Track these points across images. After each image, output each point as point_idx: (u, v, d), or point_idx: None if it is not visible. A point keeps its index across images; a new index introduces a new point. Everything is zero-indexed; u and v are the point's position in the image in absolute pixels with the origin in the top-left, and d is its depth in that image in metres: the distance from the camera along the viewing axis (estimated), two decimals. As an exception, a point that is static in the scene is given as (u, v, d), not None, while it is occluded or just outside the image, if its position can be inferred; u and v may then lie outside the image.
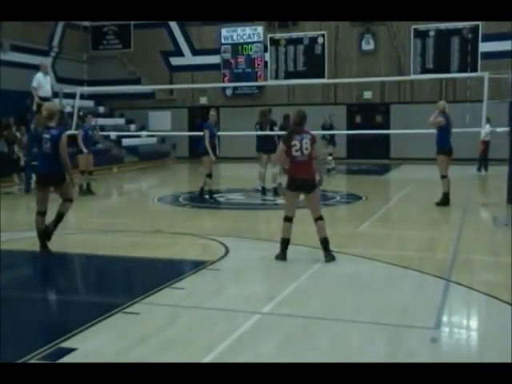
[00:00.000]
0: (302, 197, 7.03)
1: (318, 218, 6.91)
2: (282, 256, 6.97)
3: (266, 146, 12.87)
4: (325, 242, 6.90)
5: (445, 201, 11.02)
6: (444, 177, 11.06)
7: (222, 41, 24.68)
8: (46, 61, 20.35)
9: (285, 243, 6.98)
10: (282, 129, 12.99)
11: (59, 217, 7.37)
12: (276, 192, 12.83)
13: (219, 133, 22.88)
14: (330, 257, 6.88)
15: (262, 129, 13.08)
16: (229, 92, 24.88)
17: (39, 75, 14.34)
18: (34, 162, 14.33)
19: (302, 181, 6.87)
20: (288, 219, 6.98)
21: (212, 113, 12.54)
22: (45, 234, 7.37)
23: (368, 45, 23.33)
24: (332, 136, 17.99)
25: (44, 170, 7.32)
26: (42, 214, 7.39)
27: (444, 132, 11.01)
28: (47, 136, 7.18)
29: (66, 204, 7.42)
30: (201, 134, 12.33)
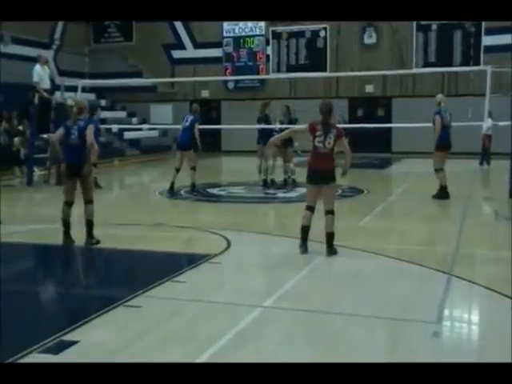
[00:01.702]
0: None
1: (329, 212, 6.93)
2: (301, 245, 6.97)
3: (264, 137, 12.96)
4: (330, 237, 6.92)
5: (441, 194, 10.98)
6: (438, 170, 11.03)
7: (224, 34, 24.62)
8: (48, 53, 20.34)
9: (304, 231, 6.98)
10: (289, 122, 13.00)
11: (89, 225, 7.57)
12: (274, 184, 12.89)
13: (221, 126, 23.12)
14: (331, 252, 6.89)
15: (259, 122, 13.19)
16: (231, 85, 24.84)
17: (38, 68, 14.28)
18: (35, 155, 14.40)
19: (319, 171, 6.90)
20: (308, 208, 7.02)
21: (195, 105, 13.11)
22: (69, 226, 7.58)
23: (370, 38, 23.25)
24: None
25: (71, 160, 7.58)
26: (69, 204, 7.64)
27: (441, 126, 10.94)
28: (75, 127, 7.51)
29: (89, 208, 7.59)
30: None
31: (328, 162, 6.91)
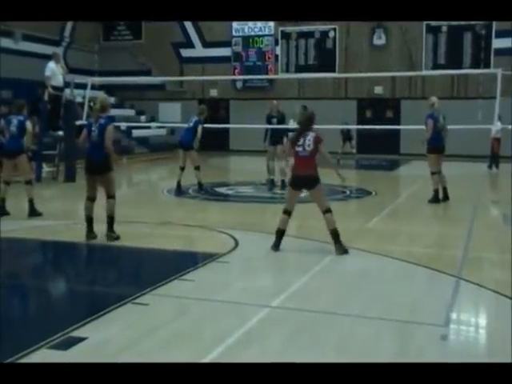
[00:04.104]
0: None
1: (326, 211, 6.99)
2: (274, 245, 7.09)
3: (277, 138, 12.92)
4: (334, 234, 6.94)
5: (434, 198, 10.93)
6: (434, 173, 10.99)
7: (233, 33, 24.64)
8: (58, 50, 20.43)
9: (279, 233, 7.11)
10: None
11: (110, 219, 7.63)
12: (284, 185, 12.85)
13: (229, 125, 23.14)
14: (340, 250, 6.90)
15: (272, 122, 13.08)
16: (239, 85, 24.85)
17: (52, 64, 14.36)
18: (44, 151, 14.45)
19: (301, 177, 6.99)
20: (286, 212, 7.13)
21: (202, 106, 13.33)
22: (92, 221, 7.68)
23: (379, 39, 23.22)
24: (348, 131, 19.31)
25: (91, 157, 7.67)
26: (91, 199, 7.73)
27: (433, 130, 10.88)
28: (96, 125, 7.60)
29: (110, 203, 7.65)
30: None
31: (309, 167, 6.98)
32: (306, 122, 7.13)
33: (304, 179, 6.98)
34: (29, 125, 9.52)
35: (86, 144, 7.72)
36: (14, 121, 9.42)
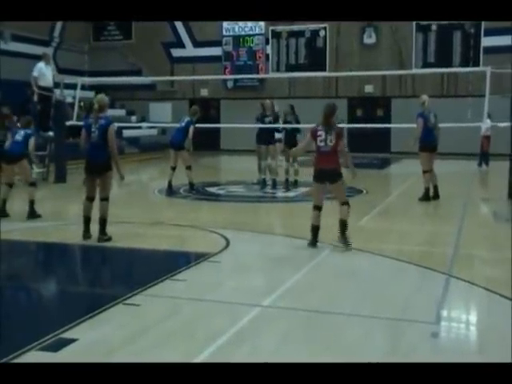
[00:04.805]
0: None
1: (344, 203, 7.14)
2: (311, 242, 7.16)
3: (268, 138, 12.86)
4: (343, 225, 7.05)
5: (425, 196, 10.96)
6: (426, 172, 11.01)
7: (224, 33, 24.62)
8: (47, 51, 20.35)
9: (314, 230, 7.15)
10: (296, 122, 12.99)
11: (102, 221, 7.58)
12: (275, 184, 12.85)
13: (220, 125, 23.12)
14: (343, 240, 7.01)
15: (265, 122, 13.04)
16: (230, 84, 24.85)
17: (41, 65, 14.33)
18: (34, 152, 14.35)
19: (324, 171, 7.05)
20: (316, 207, 7.18)
21: (195, 107, 13.21)
22: (89, 221, 7.66)
23: (370, 38, 23.27)
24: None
25: (91, 157, 7.63)
26: (90, 199, 7.73)
27: (424, 128, 10.92)
28: (96, 125, 7.54)
29: (104, 205, 7.61)
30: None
31: (332, 162, 7.04)
32: (330, 115, 7.09)
33: (327, 172, 7.04)
34: (32, 141, 9.50)
35: (86, 144, 7.67)
36: (22, 132, 9.50)
